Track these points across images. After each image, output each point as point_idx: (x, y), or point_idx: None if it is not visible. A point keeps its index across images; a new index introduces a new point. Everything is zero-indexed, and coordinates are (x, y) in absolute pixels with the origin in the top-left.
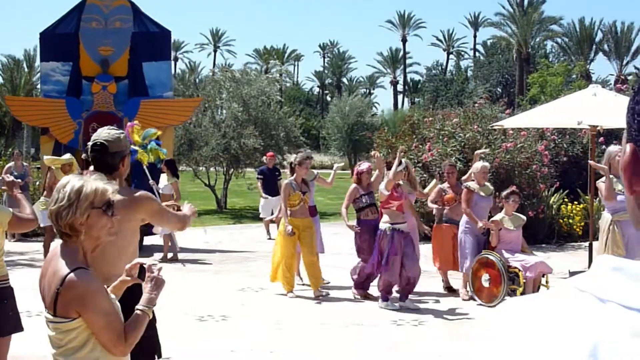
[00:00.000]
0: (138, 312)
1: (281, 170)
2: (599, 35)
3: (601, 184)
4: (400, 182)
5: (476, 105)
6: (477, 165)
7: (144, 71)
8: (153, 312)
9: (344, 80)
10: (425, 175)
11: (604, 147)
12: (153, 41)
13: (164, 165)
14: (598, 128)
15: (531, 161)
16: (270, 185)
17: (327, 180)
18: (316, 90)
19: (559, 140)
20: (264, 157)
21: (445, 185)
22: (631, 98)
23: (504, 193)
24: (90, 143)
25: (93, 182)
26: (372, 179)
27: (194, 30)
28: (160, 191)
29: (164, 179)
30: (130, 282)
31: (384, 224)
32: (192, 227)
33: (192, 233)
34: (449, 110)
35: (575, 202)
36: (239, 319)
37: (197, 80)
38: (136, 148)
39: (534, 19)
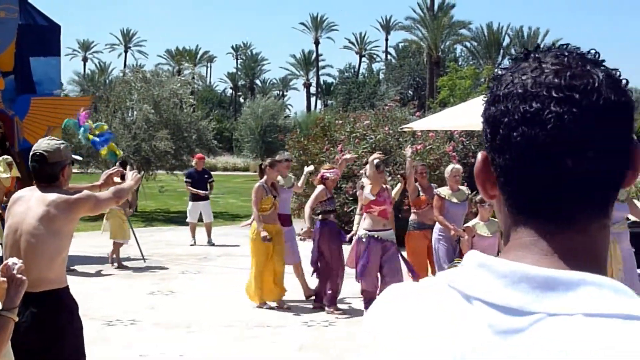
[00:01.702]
0: (2, 317)
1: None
2: (507, 40)
3: None
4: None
5: (387, 107)
6: (448, 168)
7: (32, 67)
8: (80, 319)
9: (257, 82)
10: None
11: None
12: (41, 35)
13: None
14: None
15: (440, 162)
16: (200, 188)
17: (298, 184)
18: (229, 91)
19: (467, 142)
20: (194, 160)
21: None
22: (484, 109)
23: (479, 197)
24: (30, 153)
25: None
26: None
27: (104, 30)
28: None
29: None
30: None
31: (362, 230)
32: (99, 230)
33: (104, 236)
34: (361, 112)
35: None
36: (148, 323)
37: (107, 80)
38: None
39: (444, 23)
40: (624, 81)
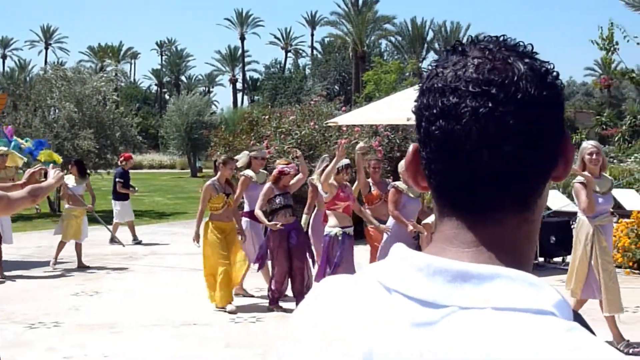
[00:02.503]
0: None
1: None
2: (430, 34)
3: (579, 188)
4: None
5: (312, 103)
6: (402, 163)
7: None
8: None
9: (183, 78)
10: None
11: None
12: None
13: (72, 166)
14: None
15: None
16: (128, 188)
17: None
18: (154, 88)
19: (392, 136)
20: (121, 159)
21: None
22: (414, 101)
23: None
24: None
25: None
26: (294, 181)
27: (24, 27)
28: (69, 192)
29: (71, 179)
30: None
31: (333, 228)
32: (24, 231)
33: (24, 238)
34: (288, 107)
35: None
36: (72, 325)
37: (27, 78)
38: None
39: (369, 18)
40: (551, 75)
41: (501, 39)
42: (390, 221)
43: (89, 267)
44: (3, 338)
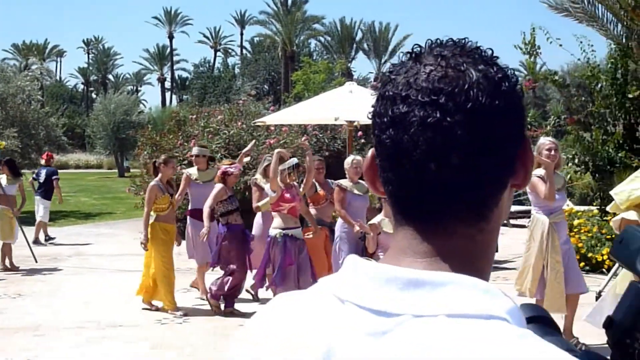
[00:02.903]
0: None
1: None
2: (359, 35)
3: (537, 180)
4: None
5: (241, 102)
6: (348, 159)
7: None
8: None
9: (110, 77)
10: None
11: (362, 140)
12: None
13: (3, 165)
14: (355, 123)
15: (294, 156)
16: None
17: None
18: (81, 87)
19: (321, 135)
20: (47, 157)
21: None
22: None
23: None
24: None
25: None
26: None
27: None
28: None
29: (3, 179)
30: None
31: (274, 229)
32: None
33: None
34: (217, 107)
35: None
36: None
37: None
38: None
39: (298, 17)
40: (507, 82)
41: (460, 43)
42: (340, 222)
43: (17, 269)
44: None
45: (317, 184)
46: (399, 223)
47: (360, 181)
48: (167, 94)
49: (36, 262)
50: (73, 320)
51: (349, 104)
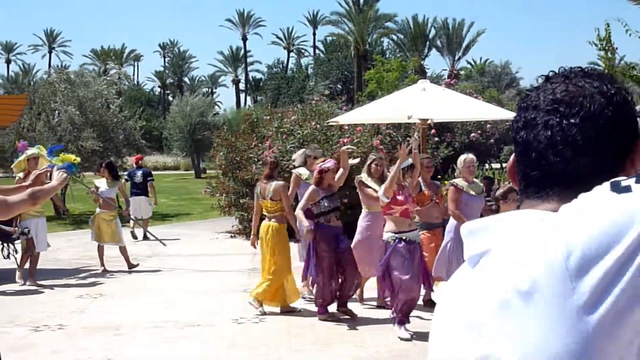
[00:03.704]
0: None
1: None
2: (432, 32)
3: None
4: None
5: (314, 102)
6: (461, 158)
7: None
8: None
9: (186, 79)
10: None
11: (436, 139)
12: None
13: (104, 169)
14: (428, 121)
15: (367, 156)
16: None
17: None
18: (157, 90)
19: (394, 134)
20: (137, 160)
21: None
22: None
23: (500, 191)
24: None
25: None
26: (337, 177)
27: (27, 31)
28: (101, 195)
29: (103, 182)
30: None
31: (387, 233)
32: None
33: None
34: (291, 107)
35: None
36: (76, 327)
37: (31, 82)
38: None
39: (370, 16)
40: (618, 97)
41: (583, 68)
42: (452, 222)
43: (135, 266)
44: (7, 341)
45: (422, 183)
46: (524, 197)
47: (476, 180)
48: (242, 96)
49: (164, 245)
50: (152, 319)
51: (422, 102)
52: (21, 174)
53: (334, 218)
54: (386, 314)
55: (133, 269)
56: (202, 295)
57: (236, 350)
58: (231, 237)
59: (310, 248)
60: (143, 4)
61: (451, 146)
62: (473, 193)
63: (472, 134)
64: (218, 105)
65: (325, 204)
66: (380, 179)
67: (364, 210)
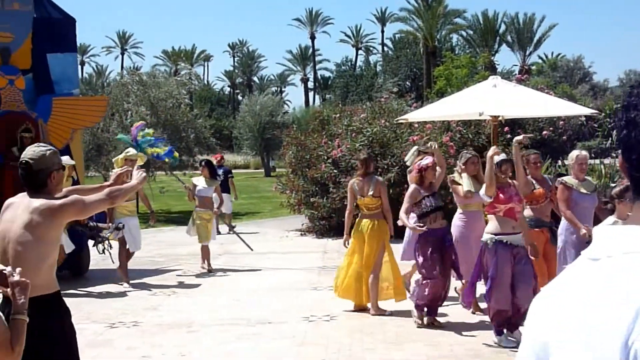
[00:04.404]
0: (14, 320)
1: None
2: (503, 27)
3: None
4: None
5: (383, 100)
6: (572, 154)
7: (49, 64)
8: (72, 324)
9: (255, 79)
10: (335, 171)
11: (508, 136)
12: (57, 29)
13: (203, 167)
14: (500, 118)
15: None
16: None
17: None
18: (227, 90)
19: (465, 131)
20: (215, 159)
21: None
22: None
23: (616, 190)
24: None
25: None
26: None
27: (100, 33)
28: (198, 194)
29: (201, 181)
30: None
31: (487, 234)
32: None
33: None
34: (360, 105)
35: None
36: (150, 324)
37: (104, 84)
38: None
39: (439, 12)
40: None
41: None
42: (563, 223)
43: (212, 271)
44: (84, 337)
45: (534, 181)
46: (636, 198)
47: (587, 178)
48: (310, 94)
49: (251, 250)
50: (224, 317)
51: (493, 98)
52: (117, 170)
53: (439, 217)
54: (456, 313)
55: (205, 270)
56: (273, 293)
57: (307, 348)
58: (301, 235)
59: (415, 250)
60: (212, 4)
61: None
62: (584, 191)
63: (544, 132)
64: (287, 104)
65: (427, 203)
66: (476, 177)
67: (459, 210)
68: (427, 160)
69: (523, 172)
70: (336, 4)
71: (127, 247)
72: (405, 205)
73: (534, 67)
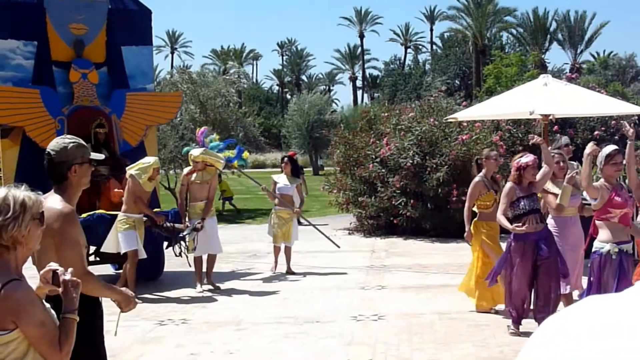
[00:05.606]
0: (64, 319)
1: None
2: (553, 25)
3: None
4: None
5: (431, 99)
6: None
7: (124, 57)
8: (101, 318)
9: (303, 77)
10: (383, 170)
11: (558, 135)
12: (132, 21)
13: (286, 163)
14: (550, 117)
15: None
16: None
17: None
18: (276, 88)
19: (514, 130)
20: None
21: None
22: None
23: None
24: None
25: (26, 192)
26: (538, 177)
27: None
28: (278, 191)
29: (282, 178)
30: (45, 288)
31: (603, 243)
32: None
33: None
34: (408, 104)
35: None
36: (198, 322)
37: (155, 82)
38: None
39: (489, 10)
40: None
41: None
42: None
43: (294, 273)
44: (133, 334)
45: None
46: None
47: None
48: (359, 93)
49: (338, 247)
50: (271, 315)
51: (543, 97)
52: (186, 169)
53: (533, 221)
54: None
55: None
56: (321, 292)
57: (355, 347)
58: (349, 234)
59: (505, 253)
60: (261, 4)
61: (574, 142)
62: None
63: (596, 131)
64: (335, 103)
65: (522, 205)
66: (555, 177)
67: (550, 216)
68: (528, 158)
69: (635, 172)
70: (385, 2)
71: (196, 250)
72: (502, 206)
73: (585, 66)
